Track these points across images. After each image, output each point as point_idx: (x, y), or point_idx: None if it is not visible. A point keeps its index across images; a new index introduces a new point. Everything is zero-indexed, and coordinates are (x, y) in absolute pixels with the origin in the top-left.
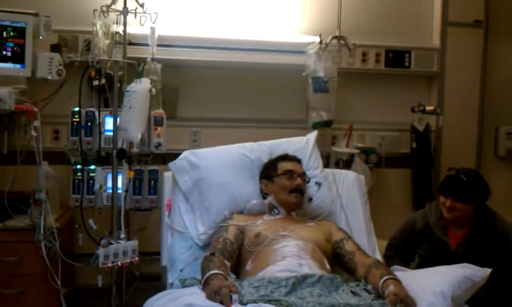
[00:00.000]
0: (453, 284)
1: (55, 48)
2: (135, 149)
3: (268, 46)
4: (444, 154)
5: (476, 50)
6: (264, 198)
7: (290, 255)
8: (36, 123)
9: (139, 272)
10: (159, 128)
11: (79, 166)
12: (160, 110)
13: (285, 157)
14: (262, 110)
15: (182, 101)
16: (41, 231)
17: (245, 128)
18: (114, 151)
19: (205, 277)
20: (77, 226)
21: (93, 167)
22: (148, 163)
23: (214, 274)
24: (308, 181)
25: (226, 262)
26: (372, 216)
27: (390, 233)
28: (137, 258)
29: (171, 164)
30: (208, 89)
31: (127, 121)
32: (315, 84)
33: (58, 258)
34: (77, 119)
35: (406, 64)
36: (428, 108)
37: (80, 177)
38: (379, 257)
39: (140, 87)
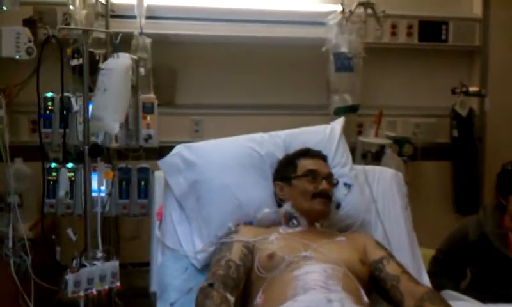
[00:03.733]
0: None
1: (29, 23)
2: (114, 145)
3: (281, 16)
4: (489, 143)
5: None
6: (279, 205)
7: (314, 286)
8: (1, 113)
9: (131, 285)
10: (148, 117)
11: (53, 165)
12: (151, 95)
13: (307, 153)
14: (275, 95)
15: (181, 85)
16: (10, 244)
17: (255, 116)
18: (86, 147)
19: None
20: (53, 237)
21: (70, 165)
22: (141, 159)
23: None
24: (336, 185)
25: (229, 297)
26: None
27: (427, 239)
28: (118, 284)
29: (161, 162)
30: (212, 70)
31: (101, 107)
32: (337, 62)
33: (31, 277)
34: (51, 108)
35: (443, 37)
36: (472, 89)
37: (55, 178)
38: (426, 279)
39: (117, 64)
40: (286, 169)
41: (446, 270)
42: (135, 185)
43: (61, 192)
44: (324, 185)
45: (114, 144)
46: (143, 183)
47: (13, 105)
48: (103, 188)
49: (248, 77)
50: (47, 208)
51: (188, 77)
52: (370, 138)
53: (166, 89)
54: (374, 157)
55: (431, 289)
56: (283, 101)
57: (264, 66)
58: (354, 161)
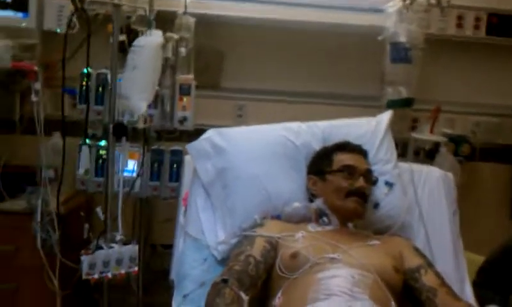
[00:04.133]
0: None
1: None
2: (141, 125)
3: (336, 1)
4: None
5: None
6: (311, 201)
7: (338, 292)
8: (37, 86)
9: (159, 266)
10: (185, 99)
11: (88, 141)
12: (188, 76)
13: (345, 147)
14: (324, 83)
15: (227, 67)
16: (38, 218)
17: (302, 104)
18: (111, 126)
19: None
20: (81, 214)
21: (103, 143)
22: (182, 141)
23: None
24: (375, 183)
25: (243, 295)
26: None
27: (478, 245)
28: (136, 268)
29: (189, 146)
30: (260, 54)
31: (129, 85)
32: (394, 52)
33: (57, 253)
34: (85, 84)
35: None
36: None
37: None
38: (469, 292)
39: (148, 41)
40: (321, 163)
41: (493, 282)
42: (167, 168)
43: (81, 170)
44: (360, 182)
45: (141, 125)
46: (175, 166)
47: (56, 80)
48: (130, 168)
49: (297, 63)
50: (78, 185)
51: (235, 59)
52: (425, 135)
53: (212, 72)
54: (427, 154)
55: (470, 306)
56: (333, 90)
57: (315, 52)
58: (406, 158)
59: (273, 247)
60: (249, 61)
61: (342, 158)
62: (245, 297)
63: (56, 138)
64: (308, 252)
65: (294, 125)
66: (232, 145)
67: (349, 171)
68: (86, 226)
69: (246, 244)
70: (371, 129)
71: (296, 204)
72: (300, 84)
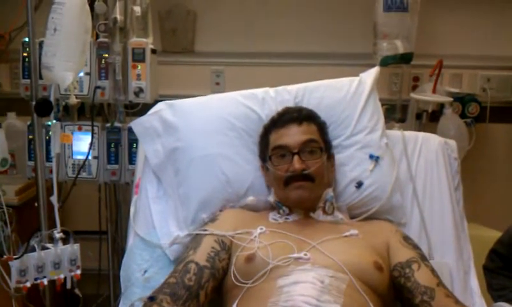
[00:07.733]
0: None
1: None
2: (74, 100)
3: None
4: None
5: None
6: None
7: (301, 302)
8: None
9: None
10: (139, 66)
11: None
12: (142, 40)
13: (277, 120)
14: (310, 41)
15: (200, 29)
16: None
17: (286, 67)
18: (33, 103)
19: None
20: (36, 204)
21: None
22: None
23: None
24: (316, 152)
25: None
26: (467, 194)
27: (493, 220)
28: (78, 272)
29: (134, 123)
30: (238, 12)
31: (51, 52)
32: None
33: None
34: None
35: None
36: None
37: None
38: (475, 286)
39: None
40: (262, 147)
41: (506, 266)
42: (125, 148)
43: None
44: (294, 164)
45: (73, 100)
46: (134, 145)
47: (11, 53)
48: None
49: (279, 20)
50: (29, 172)
51: (210, 19)
52: (427, 94)
53: (183, 34)
54: (430, 117)
55: None
56: (320, 49)
57: (298, 7)
58: (407, 123)
59: (225, 248)
60: (227, 20)
61: (275, 138)
62: None
63: (11, 119)
64: (268, 253)
65: (260, 92)
66: (184, 120)
67: (279, 153)
68: None
69: (191, 246)
70: (350, 92)
71: (251, 198)
72: (284, 44)
